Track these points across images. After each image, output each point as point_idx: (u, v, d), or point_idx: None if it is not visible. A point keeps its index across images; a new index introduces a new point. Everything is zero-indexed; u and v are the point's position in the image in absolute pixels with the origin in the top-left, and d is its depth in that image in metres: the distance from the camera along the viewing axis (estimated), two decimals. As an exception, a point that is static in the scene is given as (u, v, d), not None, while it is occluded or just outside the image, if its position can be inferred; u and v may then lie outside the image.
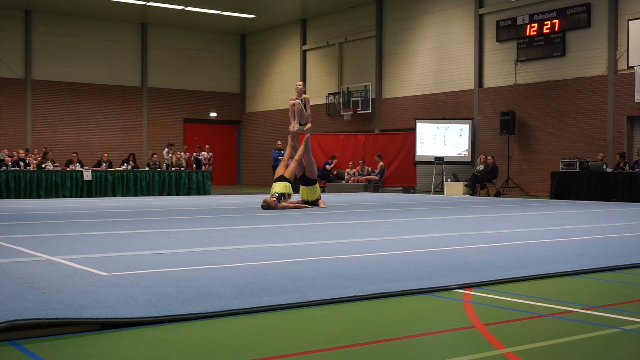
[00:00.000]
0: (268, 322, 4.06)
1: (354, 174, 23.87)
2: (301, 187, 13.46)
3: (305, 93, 13.55)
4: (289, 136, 13.61)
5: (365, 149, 24.97)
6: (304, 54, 31.46)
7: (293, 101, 13.25)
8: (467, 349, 3.58)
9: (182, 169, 21.53)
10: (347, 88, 28.47)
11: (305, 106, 13.31)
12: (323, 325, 4.00)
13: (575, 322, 4.12)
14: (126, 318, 3.89)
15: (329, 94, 29.43)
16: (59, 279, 4.68)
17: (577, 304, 4.58)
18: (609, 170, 18.17)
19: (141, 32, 32.21)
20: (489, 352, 3.41)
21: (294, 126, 13.28)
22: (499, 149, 22.77)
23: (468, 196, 20.01)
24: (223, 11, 29.55)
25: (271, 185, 13.08)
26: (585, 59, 21.06)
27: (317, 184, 13.63)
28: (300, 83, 13.59)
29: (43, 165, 19.56)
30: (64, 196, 18.46)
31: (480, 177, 21.01)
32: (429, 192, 23.18)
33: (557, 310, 4.40)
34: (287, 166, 13.16)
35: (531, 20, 22.30)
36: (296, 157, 13.16)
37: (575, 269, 5.86)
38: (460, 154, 23.39)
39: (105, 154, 21.88)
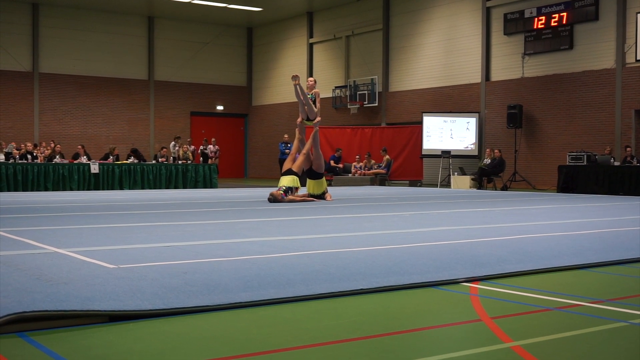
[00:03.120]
0: (275, 314, 4.06)
1: (360, 167, 23.85)
2: (308, 180, 13.45)
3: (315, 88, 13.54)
4: (297, 129, 13.61)
5: (372, 142, 24.93)
6: (310, 47, 31.43)
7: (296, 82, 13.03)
8: (475, 342, 3.58)
9: (189, 162, 21.56)
10: (354, 81, 28.45)
11: (314, 101, 13.30)
12: (330, 318, 4.01)
13: (582, 315, 4.12)
14: (133, 310, 3.90)
15: (336, 87, 29.41)
16: (66, 271, 4.69)
17: (584, 297, 4.57)
18: (616, 164, 18.12)
19: (148, 25, 32.22)
20: (496, 346, 3.41)
21: (300, 120, 13.31)
22: (506, 143, 22.73)
23: (475, 190, 19.98)
24: (229, 4, 29.52)
25: (278, 178, 13.09)
26: (593, 52, 20.98)
27: (324, 177, 13.63)
28: (312, 79, 13.59)
29: (53, 161, 19.58)
30: (71, 189, 18.51)
31: (487, 171, 20.98)
32: (435, 185, 23.16)
33: (564, 303, 4.39)
34: (294, 160, 13.15)
35: (539, 13, 22.22)
36: (304, 150, 13.15)
37: (583, 262, 5.84)
38: (467, 147, 23.35)
39: (116, 149, 21.74)
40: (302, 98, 13.11)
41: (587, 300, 4.47)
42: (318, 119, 13.38)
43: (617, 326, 3.84)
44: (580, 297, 4.59)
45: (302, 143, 13.45)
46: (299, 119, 13.46)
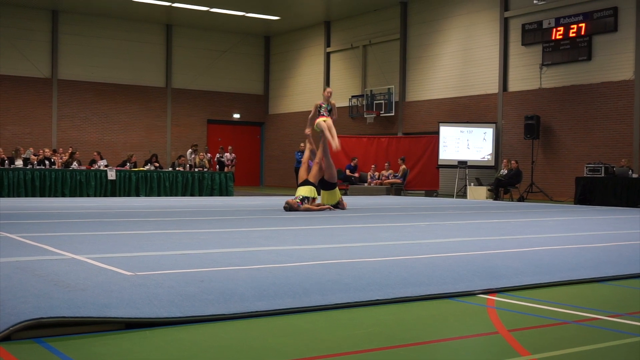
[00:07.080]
0: (291, 324, 4.06)
1: (376, 177, 23.83)
2: (321, 191, 13.39)
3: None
4: (306, 140, 13.72)
5: (388, 152, 24.91)
6: (327, 56, 31.48)
7: (317, 103, 13.37)
8: (491, 354, 3.56)
9: (205, 169, 21.63)
10: (371, 91, 28.45)
11: (331, 111, 13.35)
12: (346, 329, 4.00)
13: (600, 329, 4.08)
14: (150, 318, 3.90)
15: (352, 96, 29.41)
16: (83, 277, 4.71)
17: (602, 311, 4.54)
18: (634, 176, 17.98)
19: (166, 33, 32.41)
20: (513, 359, 3.39)
21: (309, 130, 13.54)
22: (523, 154, 22.63)
23: (491, 201, 19.90)
24: (247, 13, 29.65)
25: (294, 187, 13.09)
26: (612, 63, 20.86)
27: (337, 187, 13.56)
28: (329, 89, 13.66)
29: (71, 167, 19.70)
30: (88, 195, 18.62)
31: (504, 182, 20.89)
32: (451, 196, 23.09)
33: (582, 317, 4.36)
34: (308, 169, 13.15)
35: (557, 24, 22.14)
36: (316, 159, 13.16)
37: (601, 275, 5.79)
38: (484, 158, 23.27)
39: (134, 156, 21.82)
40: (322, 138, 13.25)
41: (605, 314, 4.44)
42: (327, 133, 13.27)
43: (635, 340, 3.80)
44: (598, 310, 4.55)
45: (312, 153, 13.48)
46: (308, 130, 13.56)
